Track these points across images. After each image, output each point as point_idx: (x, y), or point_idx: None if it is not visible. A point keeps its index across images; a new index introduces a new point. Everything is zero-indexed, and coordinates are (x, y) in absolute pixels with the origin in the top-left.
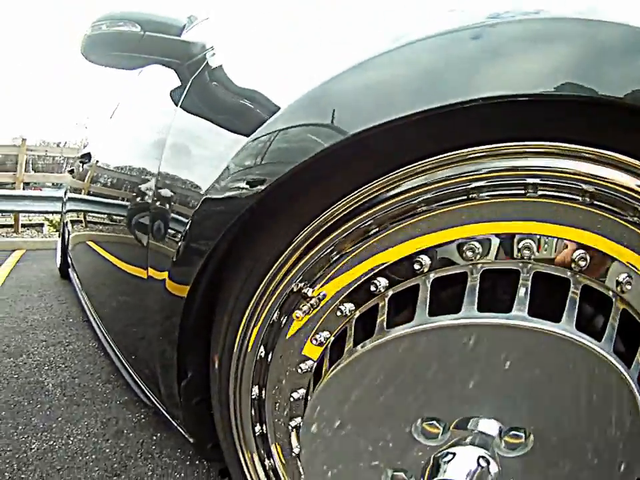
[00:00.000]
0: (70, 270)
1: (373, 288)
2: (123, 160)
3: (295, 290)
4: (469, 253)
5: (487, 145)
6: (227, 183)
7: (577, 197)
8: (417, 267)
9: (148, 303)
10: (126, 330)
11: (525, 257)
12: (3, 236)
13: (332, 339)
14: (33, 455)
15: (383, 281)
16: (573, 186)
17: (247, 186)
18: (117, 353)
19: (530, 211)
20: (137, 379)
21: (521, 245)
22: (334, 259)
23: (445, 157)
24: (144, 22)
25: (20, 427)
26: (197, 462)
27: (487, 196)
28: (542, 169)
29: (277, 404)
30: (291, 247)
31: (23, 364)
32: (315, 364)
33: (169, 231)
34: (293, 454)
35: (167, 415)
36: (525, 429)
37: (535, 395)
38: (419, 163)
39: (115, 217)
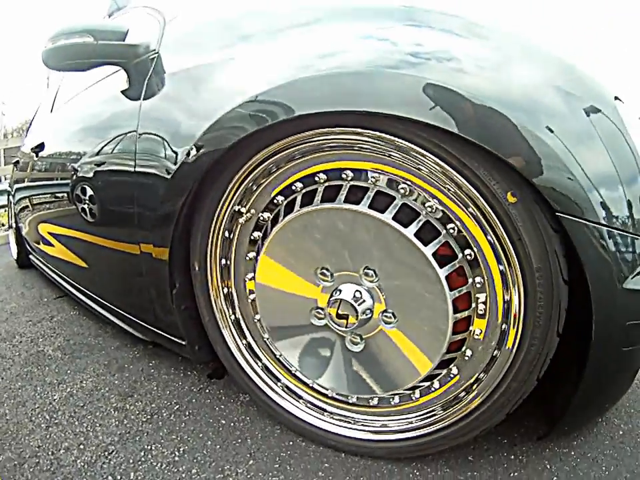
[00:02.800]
0: (32, 256)
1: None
2: (89, 146)
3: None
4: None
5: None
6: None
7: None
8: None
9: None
10: (119, 284)
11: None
12: None
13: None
14: (58, 403)
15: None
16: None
17: (208, 152)
18: (107, 309)
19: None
20: (132, 320)
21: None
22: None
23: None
24: (95, 32)
25: (38, 388)
26: (190, 373)
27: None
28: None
29: (238, 266)
30: (231, 184)
31: (19, 342)
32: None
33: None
34: (249, 300)
35: (162, 333)
36: (373, 270)
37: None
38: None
39: (89, 197)
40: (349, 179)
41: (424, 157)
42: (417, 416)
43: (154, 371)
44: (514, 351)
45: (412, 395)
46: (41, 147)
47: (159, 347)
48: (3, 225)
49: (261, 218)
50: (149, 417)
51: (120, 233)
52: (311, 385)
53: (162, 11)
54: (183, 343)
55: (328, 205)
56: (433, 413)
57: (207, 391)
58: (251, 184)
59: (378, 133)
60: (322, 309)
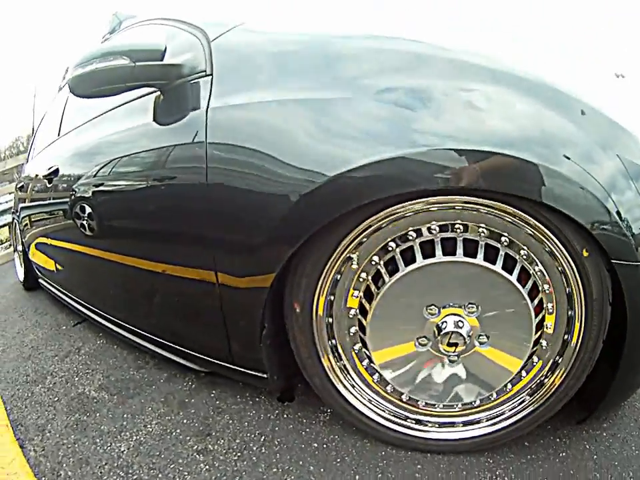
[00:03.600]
0: (42, 280)
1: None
2: (139, 173)
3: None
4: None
5: None
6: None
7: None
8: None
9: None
10: (174, 315)
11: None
12: None
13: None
14: (128, 455)
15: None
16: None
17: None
18: (147, 339)
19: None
20: (186, 352)
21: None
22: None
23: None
24: (131, 53)
25: (97, 439)
26: (257, 399)
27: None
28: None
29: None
30: (349, 235)
31: (53, 384)
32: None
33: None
34: (350, 332)
35: (230, 365)
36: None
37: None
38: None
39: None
40: (460, 231)
41: (527, 220)
42: (508, 406)
43: (220, 403)
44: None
45: (505, 387)
46: (55, 173)
47: (212, 374)
48: (2, 242)
49: (373, 261)
50: (238, 453)
51: (189, 262)
52: (410, 401)
53: (198, 25)
54: (264, 375)
55: (449, 258)
56: (521, 400)
57: (285, 415)
58: (368, 235)
59: (491, 202)
60: (426, 337)
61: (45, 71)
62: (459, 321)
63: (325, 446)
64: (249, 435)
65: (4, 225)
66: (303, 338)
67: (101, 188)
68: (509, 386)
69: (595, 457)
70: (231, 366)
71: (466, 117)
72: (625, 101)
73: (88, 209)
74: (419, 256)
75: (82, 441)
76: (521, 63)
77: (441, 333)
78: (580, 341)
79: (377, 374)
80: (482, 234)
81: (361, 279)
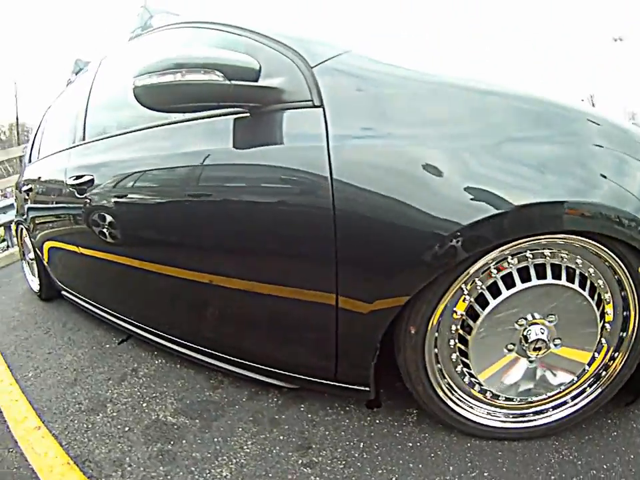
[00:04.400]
0: (68, 294)
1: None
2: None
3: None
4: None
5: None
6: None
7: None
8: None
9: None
10: (270, 335)
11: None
12: None
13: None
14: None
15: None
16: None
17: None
18: (220, 358)
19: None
20: (269, 370)
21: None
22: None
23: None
24: (226, 68)
25: (192, 468)
26: (348, 408)
27: None
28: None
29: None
30: (471, 267)
31: (117, 412)
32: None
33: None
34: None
35: (331, 382)
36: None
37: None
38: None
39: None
40: (549, 258)
41: (598, 248)
42: (571, 396)
43: (312, 416)
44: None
45: (572, 380)
46: (88, 183)
47: (294, 389)
48: (5, 240)
49: (478, 287)
50: (343, 462)
51: (304, 284)
52: (495, 399)
53: (287, 43)
54: (367, 389)
55: (541, 281)
56: (583, 390)
57: (377, 421)
58: (485, 267)
59: (584, 238)
60: (513, 343)
61: (23, 57)
62: (541, 329)
63: (418, 444)
64: (348, 443)
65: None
66: (414, 355)
67: (180, 204)
68: (575, 379)
69: None
70: (330, 382)
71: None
72: (624, 64)
73: (156, 228)
74: (517, 281)
75: (175, 471)
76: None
77: (528, 341)
78: (634, 336)
79: (477, 385)
80: (563, 258)
81: (463, 307)
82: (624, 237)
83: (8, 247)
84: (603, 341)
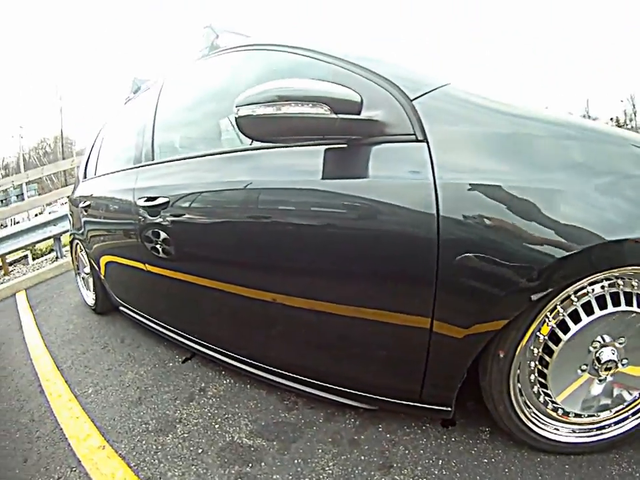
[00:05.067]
0: (127, 310)
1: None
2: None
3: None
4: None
5: None
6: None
7: None
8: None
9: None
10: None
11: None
12: None
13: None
14: None
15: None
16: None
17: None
18: (294, 379)
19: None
20: (347, 392)
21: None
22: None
23: None
24: (332, 101)
25: None
26: (424, 427)
27: None
28: None
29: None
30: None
31: (188, 434)
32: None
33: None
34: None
35: (409, 403)
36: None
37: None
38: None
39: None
40: (622, 286)
41: None
42: (631, 412)
43: (391, 435)
44: None
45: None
46: (163, 205)
47: (371, 411)
48: (44, 253)
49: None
50: (424, 478)
51: (397, 308)
52: (567, 416)
53: (381, 74)
54: (449, 409)
55: (617, 309)
56: None
57: (452, 439)
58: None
59: None
60: (586, 364)
61: (67, 69)
62: (612, 350)
63: (493, 460)
64: (427, 460)
65: (49, 238)
66: (499, 377)
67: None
68: (636, 395)
69: None
70: (412, 403)
71: None
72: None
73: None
74: (596, 308)
75: None
76: None
77: (601, 362)
78: None
79: (550, 403)
80: (634, 287)
81: (546, 333)
82: None
83: (57, 257)
84: None
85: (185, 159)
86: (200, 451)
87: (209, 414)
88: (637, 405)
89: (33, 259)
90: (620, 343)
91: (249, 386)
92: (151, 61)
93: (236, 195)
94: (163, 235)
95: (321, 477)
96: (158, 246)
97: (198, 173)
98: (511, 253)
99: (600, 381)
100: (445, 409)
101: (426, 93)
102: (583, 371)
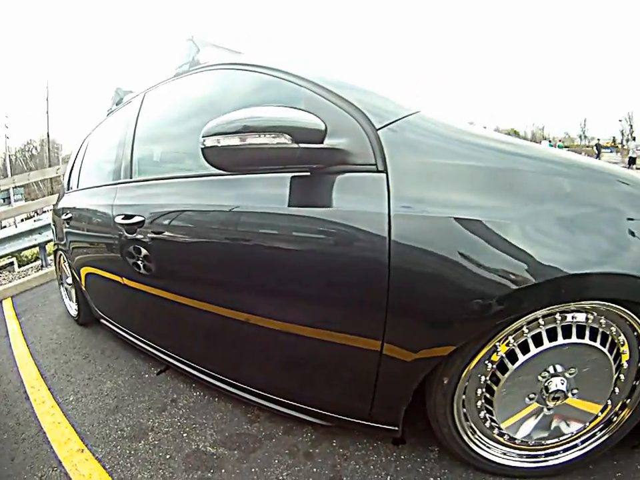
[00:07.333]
0: (107, 322)
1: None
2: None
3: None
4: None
5: None
6: None
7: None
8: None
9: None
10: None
11: None
12: None
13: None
14: None
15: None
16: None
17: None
18: (259, 395)
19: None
20: (306, 409)
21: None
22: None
23: None
24: (294, 131)
25: None
26: (375, 444)
27: None
28: None
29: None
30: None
31: (159, 441)
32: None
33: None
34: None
35: (359, 421)
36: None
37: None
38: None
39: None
40: (575, 320)
41: (620, 309)
42: (582, 439)
43: (343, 450)
44: None
45: (584, 426)
46: (139, 224)
47: (327, 426)
48: (30, 260)
49: (510, 344)
50: None
51: (350, 330)
52: (513, 441)
53: (349, 100)
54: (395, 428)
55: (568, 340)
56: (594, 434)
57: (402, 457)
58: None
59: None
60: (534, 393)
61: (54, 75)
62: (562, 380)
63: (438, 479)
64: (376, 476)
65: (34, 246)
66: (443, 401)
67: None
68: (587, 424)
69: None
70: (364, 422)
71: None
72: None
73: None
74: (545, 340)
75: None
76: None
77: (549, 391)
78: None
79: (496, 429)
80: (588, 320)
81: (496, 360)
82: None
83: (42, 266)
84: (617, 390)
85: (161, 179)
86: (168, 456)
87: (179, 423)
88: (586, 433)
89: (19, 266)
90: (570, 374)
91: (217, 399)
92: (143, 67)
93: (208, 218)
94: (139, 251)
95: None
96: (134, 262)
97: (172, 194)
98: (458, 284)
99: (549, 409)
100: (392, 428)
101: (392, 122)
102: (530, 399)
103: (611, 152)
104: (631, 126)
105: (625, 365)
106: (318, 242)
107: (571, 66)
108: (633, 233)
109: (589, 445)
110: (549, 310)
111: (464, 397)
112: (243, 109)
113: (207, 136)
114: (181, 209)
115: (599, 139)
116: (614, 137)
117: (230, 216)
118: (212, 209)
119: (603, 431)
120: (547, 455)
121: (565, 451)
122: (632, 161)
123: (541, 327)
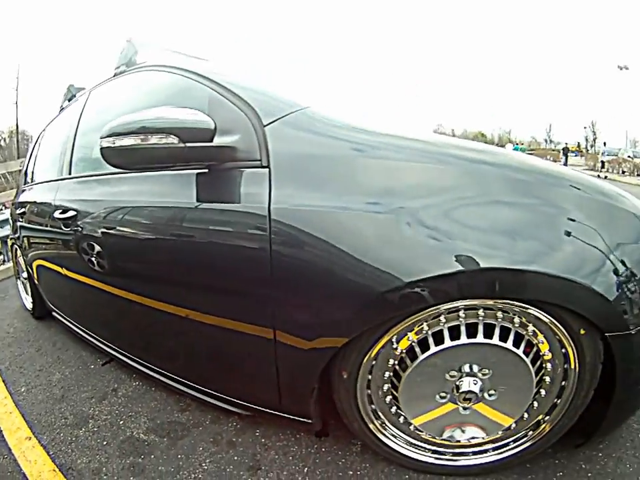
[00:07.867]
0: (59, 315)
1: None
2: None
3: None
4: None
5: None
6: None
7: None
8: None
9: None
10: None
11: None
12: None
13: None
14: None
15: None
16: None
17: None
18: (187, 385)
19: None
20: (228, 399)
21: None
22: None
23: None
24: (181, 132)
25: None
26: (298, 436)
27: None
28: None
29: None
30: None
31: (98, 428)
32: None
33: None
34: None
35: (275, 412)
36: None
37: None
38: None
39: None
40: (482, 317)
41: (538, 312)
42: (513, 440)
43: (265, 440)
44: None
45: (509, 427)
46: (72, 219)
47: (252, 416)
48: (1, 253)
49: (409, 341)
50: None
51: (245, 318)
52: (430, 439)
53: (244, 97)
54: (309, 420)
55: (471, 340)
56: (523, 435)
57: (323, 449)
58: (414, 322)
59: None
60: (446, 392)
61: (24, 63)
62: (474, 381)
63: (359, 473)
64: (294, 467)
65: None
66: (347, 395)
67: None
68: (513, 425)
69: (590, 474)
70: (277, 413)
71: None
72: (629, 92)
73: (120, 258)
74: (447, 338)
75: None
76: None
77: (459, 391)
78: (573, 391)
79: (411, 425)
80: (499, 318)
81: (397, 356)
82: (565, 304)
83: (4, 261)
84: (543, 392)
85: (92, 175)
86: (105, 443)
87: (117, 411)
88: (519, 434)
89: None
90: (484, 375)
91: (153, 388)
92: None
93: (128, 214)
94: (76, 245)
95: (197, 471)
96: (72, 255)
97: (100, 190)
98: (337, 277)
99: (464, 409)
100: (305, 420)
101: (279, 118)
102: (442, 398)
103: (576, 156)
104: (594, 132)
105: (549, 367)
106: (214, 235)
107: (539, 72)
108: (568, 233)
109: (519, 445)
110: (453, 305)
111: (369, 391)
112: (143, 110)
113: (104, 137)
114: (111, 206)
115: (566, 143)
116: (579, 142)
117: (140, 211)
118: (129, 204)
119: (533, 433)
120: (455, 454)
121: (494, 449)
122: (603, 164)
123: (441, 324)
